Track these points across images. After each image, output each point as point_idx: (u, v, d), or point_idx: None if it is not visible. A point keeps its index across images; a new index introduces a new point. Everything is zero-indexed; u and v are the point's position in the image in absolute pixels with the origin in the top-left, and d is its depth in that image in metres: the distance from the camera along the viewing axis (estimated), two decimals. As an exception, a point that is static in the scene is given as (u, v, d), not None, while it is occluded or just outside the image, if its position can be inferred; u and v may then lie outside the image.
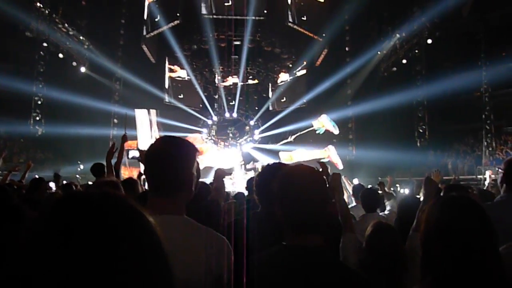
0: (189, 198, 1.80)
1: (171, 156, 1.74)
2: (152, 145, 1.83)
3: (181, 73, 28.57)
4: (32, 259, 0.61)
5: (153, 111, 23.00)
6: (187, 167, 1.76)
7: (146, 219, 0.72)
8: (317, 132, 21.65)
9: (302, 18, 26.64)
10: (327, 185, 1.82)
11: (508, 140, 21.62)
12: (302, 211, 1.69)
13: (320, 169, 3.38)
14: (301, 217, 1.69)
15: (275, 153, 24.54)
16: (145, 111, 22.17)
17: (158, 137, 2.63)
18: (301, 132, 23.22)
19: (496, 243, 1.62)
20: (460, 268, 1.53)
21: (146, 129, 21.87)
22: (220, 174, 3.41)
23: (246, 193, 6.00)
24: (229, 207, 4.36)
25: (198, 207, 2.45)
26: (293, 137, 23.96)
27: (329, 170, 3.80)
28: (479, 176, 19.12)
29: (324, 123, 21.38)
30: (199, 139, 22.41)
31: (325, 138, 22.15)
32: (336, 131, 21.18)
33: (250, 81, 29.55)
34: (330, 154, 20.26)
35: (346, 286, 1.63)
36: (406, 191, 12.96)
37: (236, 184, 18.46)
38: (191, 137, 25.44)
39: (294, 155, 21.80)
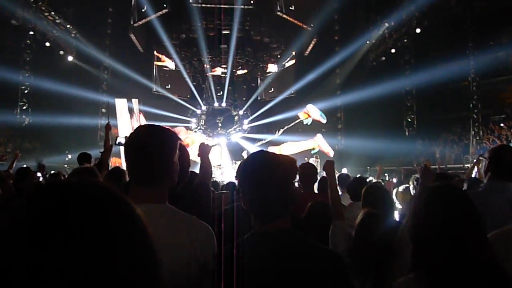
0: (171, 185, 1.78)
1: (150, 145, 1.70)
2: (131, 134, 1.80)
3: (169, 64, 28.41)
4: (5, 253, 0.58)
5: (135, 100, 22.81)
6: (167, 156, 1.73)
7: (130, 205, 0.70)
8: (305, 123, 21.59)
9: (290, 8, 26.55)
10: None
11: (495, 129, 21.81)
12: (261, 201, 1.67)
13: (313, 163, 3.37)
14: (261, 207, 1.68)
15: (262, 146, 24.59)
16: (124, 100, 22.01)
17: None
18: (288, 126, 23.17)
19: (484, 230, 1.63)
20: (451, 257, 1.54)
21: (126, 119, 21.71)
22: (205, 150, 3.08)
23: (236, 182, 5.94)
24: (220, 196, 4.30)
25: (186, 192, 2.42)
26: (280, 132, 23.90)
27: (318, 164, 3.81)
28: (466, 165, 19.31)
29: (310, 112, 21.30)
30: (184, 130, 22.26)
31: (314, 128, 22.15)
32: (324, 120, 21.18)
33: (239, 71, 29.48)
34: (320, 144, 20.26)
35: (315, 262, 1.62)
36: (395, 180, 13.05)
37: (225, 174, 18.52)
38: (175, 129, 25.26)
39: (283, 148, 21.73)
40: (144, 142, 1.72)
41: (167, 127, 1.85)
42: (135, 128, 1.96)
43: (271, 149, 22.91)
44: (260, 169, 1.70)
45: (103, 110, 24.81)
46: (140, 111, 22.43)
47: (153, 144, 1.71)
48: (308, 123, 21.52)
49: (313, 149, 19.99)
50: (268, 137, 24.57)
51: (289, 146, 20.83)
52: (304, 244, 1.71)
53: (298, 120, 21.74)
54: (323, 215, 3.06)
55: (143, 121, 20.82)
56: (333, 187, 3.05)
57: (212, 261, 1.68)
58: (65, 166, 18.12)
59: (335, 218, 2.91)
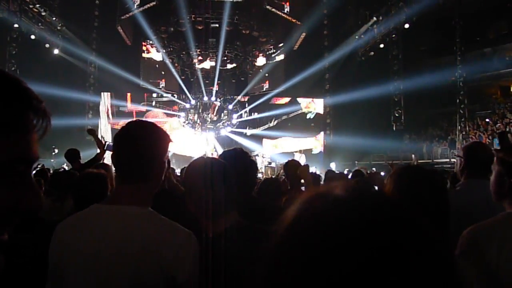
0: (157, 188, 1.70)
1: (141, 138, 1.63)
2: (123, 127, 1.72)
3: (155, 56, 28.19)
4: None
5: (106, 94, 22.66)
6: (157, 152, 1.65)
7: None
8: (308, 116, 21.36)
9: (280, 2, 26.46)
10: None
11: (481, 124, 22.00)
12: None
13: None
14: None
15: (256, 138, 24.60)
16: (104, 94, 21.95)
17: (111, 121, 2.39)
18: (286, 117, 22.93)
19: (447, 211, 1.65)
20: None
21: (104, 115, 21.77)
22: None
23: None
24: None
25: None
26: (275, 121, 23.70)
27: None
28: (452, 160, 19.49)
29: (316, 104, 21.11)
30: (176, 123, 22.15)
31: (305, 123, 22.15)
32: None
33: (228, 65, 29.35)
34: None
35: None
36: (383, 173, 13.06)
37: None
38: (168, 121, 25.27)
39: (279, 143, 21.61)
40: (135, 135, 1.65)
41: (159, 122, 1.80)
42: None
43: (266, 141, 22.94)
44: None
45: (90, 104, 24.60)
46: (112, 105, 22.26)
47: (144, 137, 1.64)
48: (311, 117, 21.35)
49: (309, 112, 19.90)
50: (265, 126, 24.54)
51: (286, 142, 20.68)
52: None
53: (300, 111, 21.46)
54: (272, 191, 3.10)
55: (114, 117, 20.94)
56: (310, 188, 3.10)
57: (185, 273, 1.52)
58: (52, 161, 17.92)
59: None
